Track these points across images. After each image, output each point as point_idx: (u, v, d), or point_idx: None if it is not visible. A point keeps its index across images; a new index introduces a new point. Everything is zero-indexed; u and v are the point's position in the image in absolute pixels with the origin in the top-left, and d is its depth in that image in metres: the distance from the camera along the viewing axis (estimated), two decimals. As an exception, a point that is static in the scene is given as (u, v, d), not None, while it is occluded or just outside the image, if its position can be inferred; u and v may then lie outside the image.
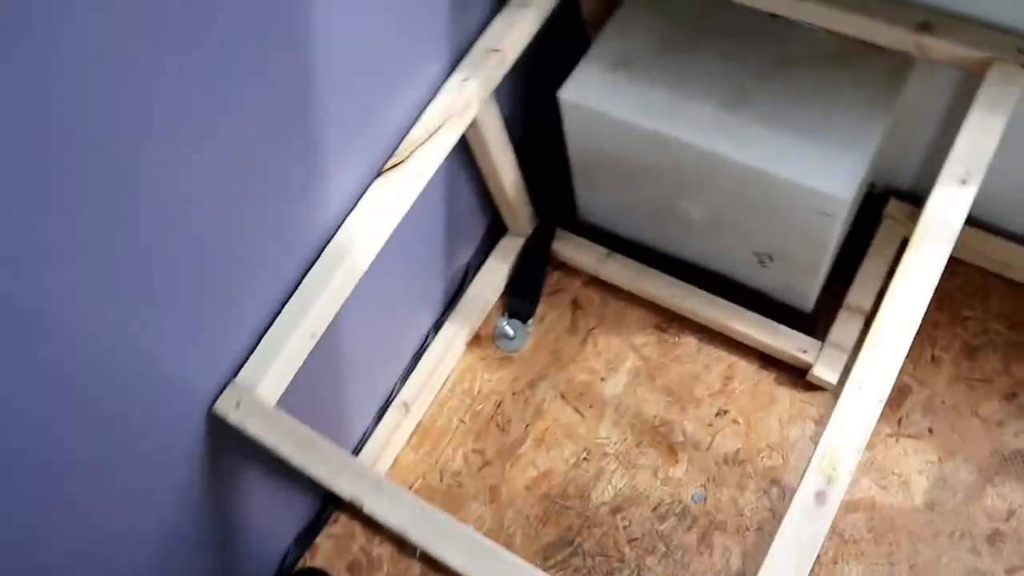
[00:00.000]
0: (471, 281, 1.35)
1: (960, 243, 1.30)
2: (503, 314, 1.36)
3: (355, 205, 0.98)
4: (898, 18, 0.98)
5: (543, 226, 1.35)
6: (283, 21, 0.77)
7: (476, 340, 1.36)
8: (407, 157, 1.00)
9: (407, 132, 1.02)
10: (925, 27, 0.98)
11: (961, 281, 1.29)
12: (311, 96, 0.86)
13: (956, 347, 1.25)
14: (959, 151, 0.90)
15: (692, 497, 1.21)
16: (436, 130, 1.01)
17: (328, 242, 0.97)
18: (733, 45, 1.11)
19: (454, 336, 1.32)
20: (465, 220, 1.30)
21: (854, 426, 0.81)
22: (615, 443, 1.25)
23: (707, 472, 1.22)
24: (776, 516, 1.17)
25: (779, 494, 1.19)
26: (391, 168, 1.00)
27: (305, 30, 0.81)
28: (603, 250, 1.33)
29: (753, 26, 1.12)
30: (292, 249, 0.93)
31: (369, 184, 0.99)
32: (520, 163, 1.25)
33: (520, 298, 1.34)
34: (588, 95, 1.11)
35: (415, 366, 1.31)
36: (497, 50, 1.05)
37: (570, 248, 1.35)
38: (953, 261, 1.29)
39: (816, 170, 1.01)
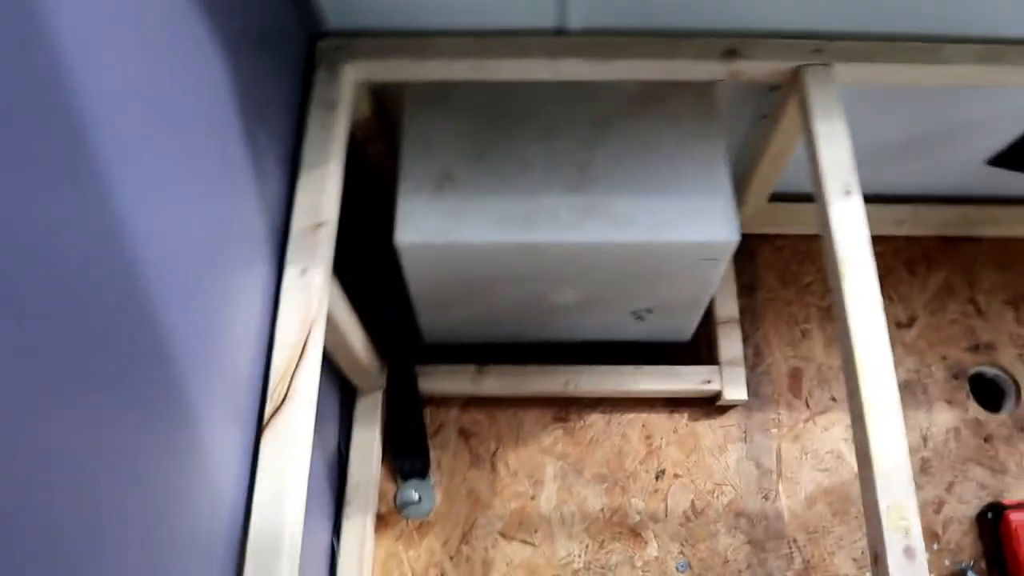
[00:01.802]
0: (347, 463, 1.16)
1: (773, 221, 1.39)
2: (397, 480, 1.19)
3: (253, 482, 0.77)
4: (705, 52, 0.97)
5: (399, 370, 1.19)
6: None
7: (383, 521, 1.17)
8: (285, 394, 0.81)
9: (268, 361, 0.82)
10: (731, 53, 0.97)
11: (789, 252, 1.35)
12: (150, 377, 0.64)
13: (815, 315, 1.31)
14: (828, 168, 0.91)
15: (677, 568, 1.15)
16: (303, 347, 0.83)
17: (246, 534, 0.75)
18: (543, 119, 1.04)
19: (360, 533, 1.13)
20: (321, 403, 1.11)
21: (896, 469, 0.79)
22: (579, 555, 1.15)
23: (677, 538, 1.17)
24: (753, 544, 1.16)
25: (747, 523, 1.18)
26: (273, 415, 0.80)
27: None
28: (472, 368, 1.21)
29: (552, 93, 1.05)
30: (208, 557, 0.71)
31: (256, 446, 0.78)
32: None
33: (407, 456, 1.18)
34: (427, 229, 0.97)
35: (334, 586, 1.10)
36: (319, 223, 0.88)
37: (436, 380, 1.21)
38: (773, 238, 1.35)
39: (696, 222, 0.97)
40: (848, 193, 0.89)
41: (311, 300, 0.84)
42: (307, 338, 0.83)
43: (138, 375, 0.58)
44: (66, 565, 0.49)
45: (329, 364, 1.10)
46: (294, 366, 0.82)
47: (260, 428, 0.80)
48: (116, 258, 0.56)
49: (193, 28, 0.70)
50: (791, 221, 1.34)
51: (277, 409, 0.80)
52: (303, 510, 0.79)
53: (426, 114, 1.04)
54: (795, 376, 1.26)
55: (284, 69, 0.91)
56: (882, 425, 0.80)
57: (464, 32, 0.98)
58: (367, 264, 1.08)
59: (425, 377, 1.20)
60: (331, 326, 0.98)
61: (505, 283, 1.06)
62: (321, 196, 0.89)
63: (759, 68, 0.98)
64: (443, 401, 1.23)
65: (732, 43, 0.97)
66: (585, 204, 0.98)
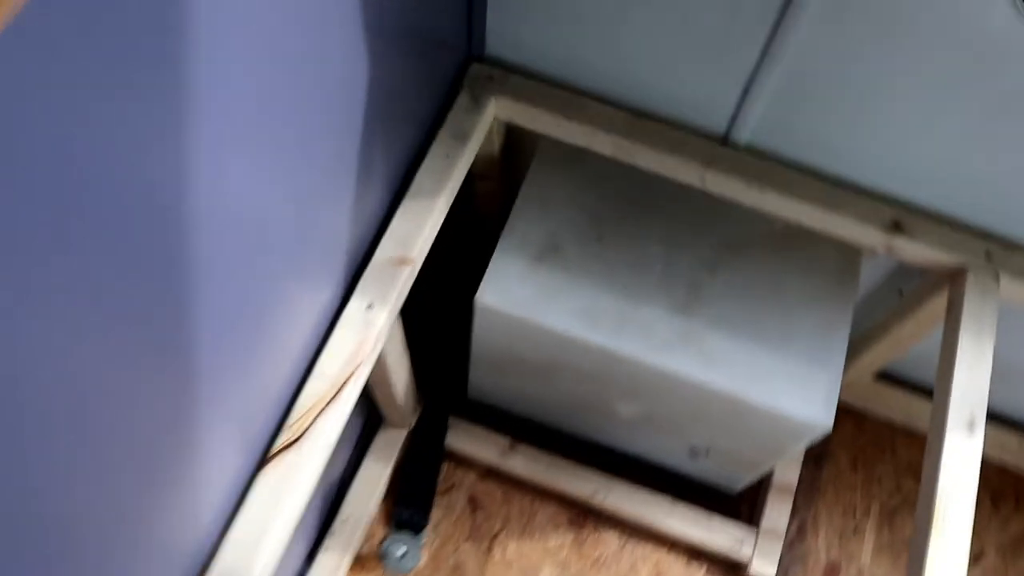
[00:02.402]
0: (347, 491, 1.09)
1: (866, 397, 1.28)
2: (390, 525, 1.11)
3: (235, 514, 0.70)
4: (869, 215, 0.87)
5: (432, 416, 1.11)
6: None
7: (359, 563, 1.09)
8: (304, 430, 0.73)
9: (297, 392, 0.75)
10: (897, 227, 0.87)
11: (871, 436, 1.23)
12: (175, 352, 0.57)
13: (875, 512, 1.19)
14: (958, 392, 0.80)
15: None
16: (341, 386, 0.75)
17: (208, 564, 0.68)
18: (675, 223, 0.95)
19: (334, 568, 1.05)
20: (337, 423, 1.03)
21: None
22: (543, 678, 1.06)
23: None
24: None
25: None
26: (283, 449, 0.73)
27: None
28: (504, 440, 1.12)
29: (694, 197, 0.96)
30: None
31: (252, 478, 0.71)
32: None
33: (409, 506, 1.10)
34: (513, 298, 0.89)
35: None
36: (405, 260, 0.81)
37: (464, 439, 1.13)
38: (860, 415, 1.24)
39: (793, 393, 0.87)
40: (971, 427, 0.78)
41: (367, 339, 0.77)
42: (348, 378, 0.75)
43: (155, 348, 0.51)
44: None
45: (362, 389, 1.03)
46: (324, 404, 0.74)
47: (263, 459, 0.72)
48: (180, 218, 0.48)
49: (348, 10, 0.62)
50: (886, 404, 1.23)
51: (289, 445, 0.73)
52: (278, 559, 0.71)
53: (554, 173, 0.96)
54: (832, 571, 1.15)
55: (427, 82, 0.84)
56: None
57: (622, 104, 0.90)
58: (437, 300, 1.01)
59: (455, 431, 1.12)
60: (379, 361, 0.91)
61: (572, 376, 0.97)
62: (417, 231, 0.82)
63: (920, 252, 0.87)
64: (464, 461, 1.15)
65: (899, 215, 0.87)
66: (684, 329, 0.89)
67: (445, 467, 1.14)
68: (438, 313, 1.01)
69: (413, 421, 1.12)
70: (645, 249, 0.93)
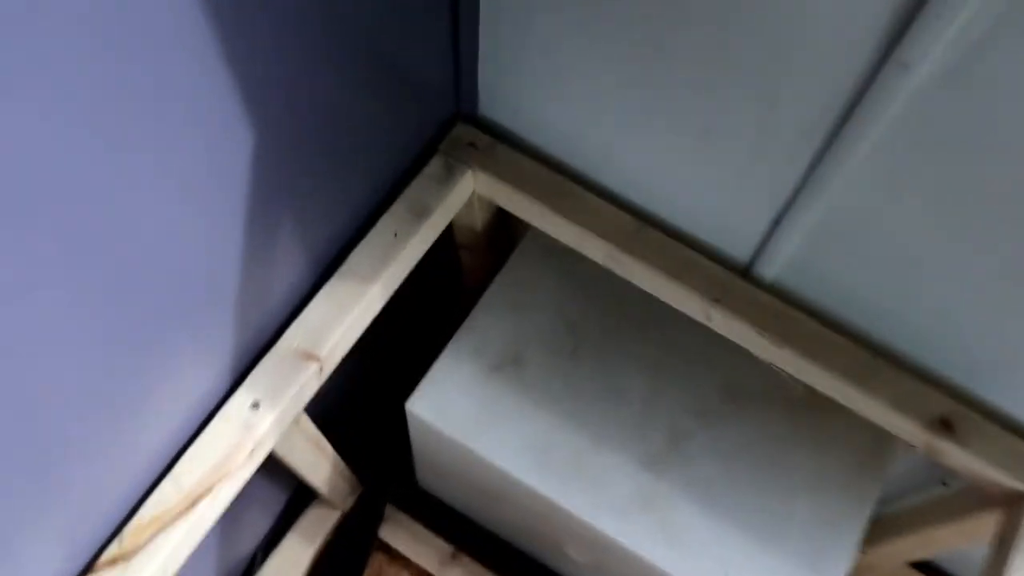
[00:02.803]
0: (259, 569, 0.96)
1: None
2: (299, 615, 0.97)
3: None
4: (911, 402, 0.68)
5: (369, 501, 0.97)
6: None
7: (256, 652, 0.96)
8: (139, 547, 0.60)
9: (147, 494, 0.62)
10: (944, 426, 0.68)
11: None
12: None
13: None
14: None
15: None
16: (195, 501, 0.61)
17: None
18: (667, 350, 0.78)
19: (223, 655, 0.93)
20: (255, 494, 0.90)
21: None
22: None
23: None
24: None
25: None
26: (110, 563, 0.60)
27: None
28: (447, 548, 0.97)
29: (693, 327, 0.79)
30: None
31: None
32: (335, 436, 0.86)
33: (326, 597, 0.96)
34: (450, 413, 0.74)
35: None
36: (315, 357, 0.66)
37: (403, 536, 0.98)
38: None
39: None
40: None
41: (241, 446, 0.63)
42: (206, 492, 0.62)
43: None
44: None
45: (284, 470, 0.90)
46: (170, 519, 0.61)
47: (85, 570, 0.59)
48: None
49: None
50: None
51: (117, 560, 0.60)
52: None
53: (538, 264, 0.80)
54: None
55: (390, 137, 0.69)
56: None
57: (627, 204, 0.73)
58: (395, 376, 0.86)
59: (394, 525, 0.98)
60: (286, 449, 0.77)
61: (516, 509, 0.81)
62: (335, 323, 0.67)
63: (969, 463, 0.67)
64: (399, 558, 1.00)
65: (951, 410, 0.68)
66: (649, 490, 0.72)
67: (378, 561, 1.00)
68: (394, 389, 0.87)
69: (350, 502, 0.98)
70: (625, 377, 0.76)
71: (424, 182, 0.72)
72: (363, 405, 0.93)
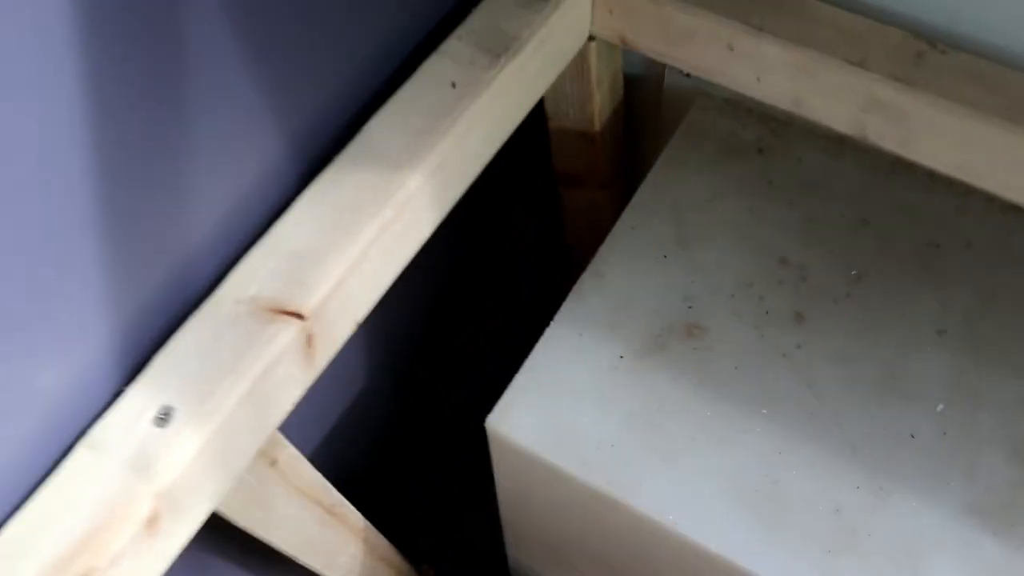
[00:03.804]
0: None
1: None
2: None
3: None
4: None
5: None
6: None
7: None
8: None
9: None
10: None
11: None
12: None
13: None
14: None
15: None
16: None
17: None
18: (906, 309, 0.41)
19: None
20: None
21: None
22: None
23: None
24: None
25: None
26: None
27: None
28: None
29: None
30: None
31: None
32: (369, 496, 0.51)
33: None
34: (557, 435, 0.39)
35: None
36: (285, 310, 0.32)
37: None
38: None
39: None
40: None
41: (131, 504, 0.29)
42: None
43: None
44: None
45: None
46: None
47: None
48: None
49: None
50: None
51: None
52: None
53: (701, 175, 0.46)
54: None
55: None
56: None
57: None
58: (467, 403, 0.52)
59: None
60: (276, 481, 0.42)
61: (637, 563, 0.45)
62: (336, 249, 0.33)
63: None
64: None
65: None
66: (839, 526, 0.35)
67: None
68: (466, 405, 0.52)
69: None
70: (883, 362, 0.40)
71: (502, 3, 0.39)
72: (408, 431, 0.58)
